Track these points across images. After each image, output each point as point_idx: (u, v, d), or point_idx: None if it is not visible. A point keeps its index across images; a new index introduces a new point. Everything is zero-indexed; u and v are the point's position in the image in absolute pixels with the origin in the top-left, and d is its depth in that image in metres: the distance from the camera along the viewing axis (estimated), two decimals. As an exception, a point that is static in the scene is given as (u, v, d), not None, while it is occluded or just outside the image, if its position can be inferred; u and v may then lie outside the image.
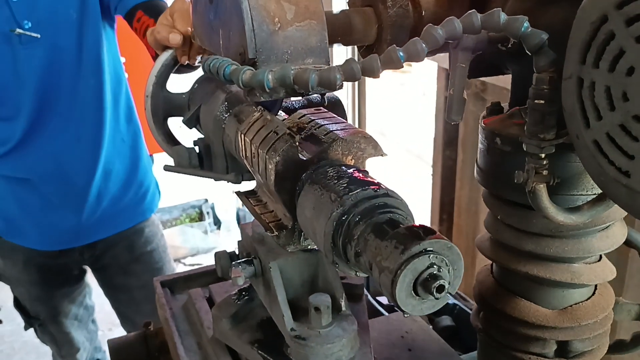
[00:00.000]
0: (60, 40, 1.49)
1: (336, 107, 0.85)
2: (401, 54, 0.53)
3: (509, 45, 0.65)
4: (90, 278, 1.96)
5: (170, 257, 1.96)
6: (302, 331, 0.75)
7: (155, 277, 1.17)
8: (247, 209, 0.94)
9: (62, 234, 1.72)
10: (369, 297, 1.17)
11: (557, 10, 0.61)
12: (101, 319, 2.19)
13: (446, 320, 1.11)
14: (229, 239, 4.13)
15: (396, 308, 0.52)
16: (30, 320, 1.88)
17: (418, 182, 4.62)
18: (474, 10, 0.55)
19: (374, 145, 0.69)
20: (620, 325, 1.38)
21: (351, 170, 0.64)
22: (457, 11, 0.57)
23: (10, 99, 1.51)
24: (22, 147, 1.57)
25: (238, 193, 0.84)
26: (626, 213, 0.66)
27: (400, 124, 6.23)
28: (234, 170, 0.90)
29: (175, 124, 1.02)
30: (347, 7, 0.76)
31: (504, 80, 0.89)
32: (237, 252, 0.89)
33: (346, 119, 0.78)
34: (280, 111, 0.85)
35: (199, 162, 0.94)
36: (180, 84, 1.05)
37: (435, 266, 0.50)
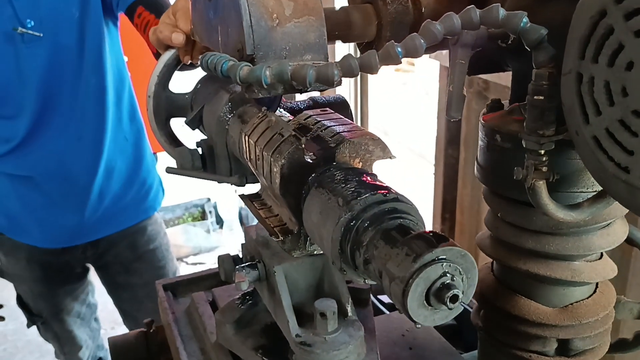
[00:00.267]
0: (62, 38, 1.49)
1: (343, 108, 0.84)
2: (399, 49, 0.53)
3: (509, 42, 0.65)
4: (93, 276, 1.97)
5: (173, 255, 1.97)
6: (308, 337, 0.72)
7: (158, 276, 1.15)
8: (250, 210, 0.93)
9: (64, 232, 1.72)
10: (370, 295, 1.16)
11: (556, 5, 0.61)
12: (104, 317, 2.19)
13: (447, 319, 1.11)
14: (232, 238, 4.14)
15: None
16: (33, 317, 1.88)
17: (420, 181, 4.61)
18: (472, 5, 0.54)
19: (382, 147, 0.68)
20: (624, 324, 1.37)
21: (359, 173, 0.62)
22: (456, 8, 0.56)
23: (13, 98, 1.52)
24: (25, 145, 1.57)
25: (242, 196, 0.83)
26: (627, 210, 0.66)
27: (403, 123, 6.21)
28: (237, 172, 0.89)
29: (178, 125, 1.01)
30: (347, 4, 0.76)
31: (507, 79, 0.88)
32: (240, 255, 0.87)
33: (353, 120, 0.77)
34: (285, 112, 0.84)
35: (201, 164, 0.92)
36: (183, 84, 1.04)
37: (448, 275, 0.48)
